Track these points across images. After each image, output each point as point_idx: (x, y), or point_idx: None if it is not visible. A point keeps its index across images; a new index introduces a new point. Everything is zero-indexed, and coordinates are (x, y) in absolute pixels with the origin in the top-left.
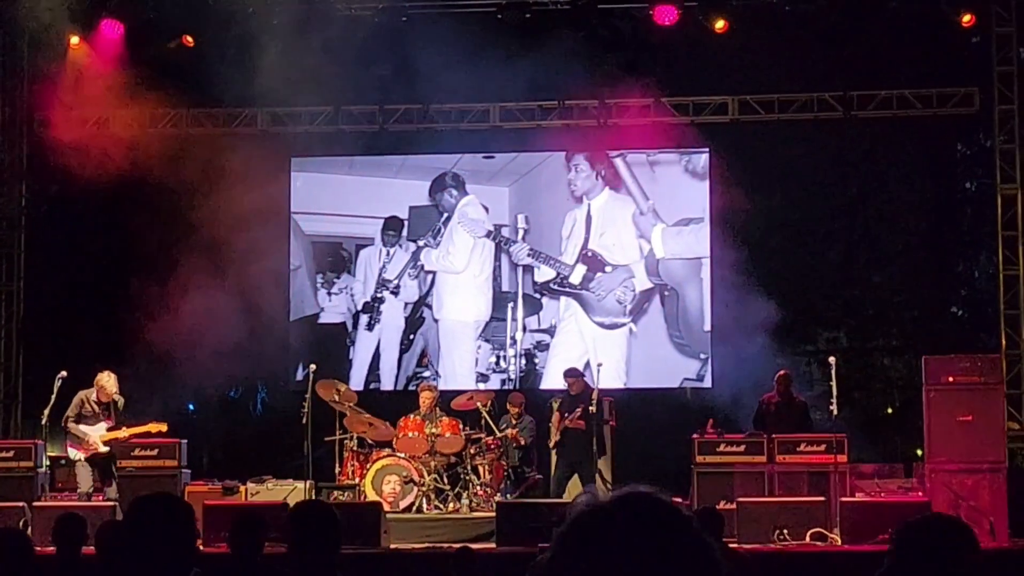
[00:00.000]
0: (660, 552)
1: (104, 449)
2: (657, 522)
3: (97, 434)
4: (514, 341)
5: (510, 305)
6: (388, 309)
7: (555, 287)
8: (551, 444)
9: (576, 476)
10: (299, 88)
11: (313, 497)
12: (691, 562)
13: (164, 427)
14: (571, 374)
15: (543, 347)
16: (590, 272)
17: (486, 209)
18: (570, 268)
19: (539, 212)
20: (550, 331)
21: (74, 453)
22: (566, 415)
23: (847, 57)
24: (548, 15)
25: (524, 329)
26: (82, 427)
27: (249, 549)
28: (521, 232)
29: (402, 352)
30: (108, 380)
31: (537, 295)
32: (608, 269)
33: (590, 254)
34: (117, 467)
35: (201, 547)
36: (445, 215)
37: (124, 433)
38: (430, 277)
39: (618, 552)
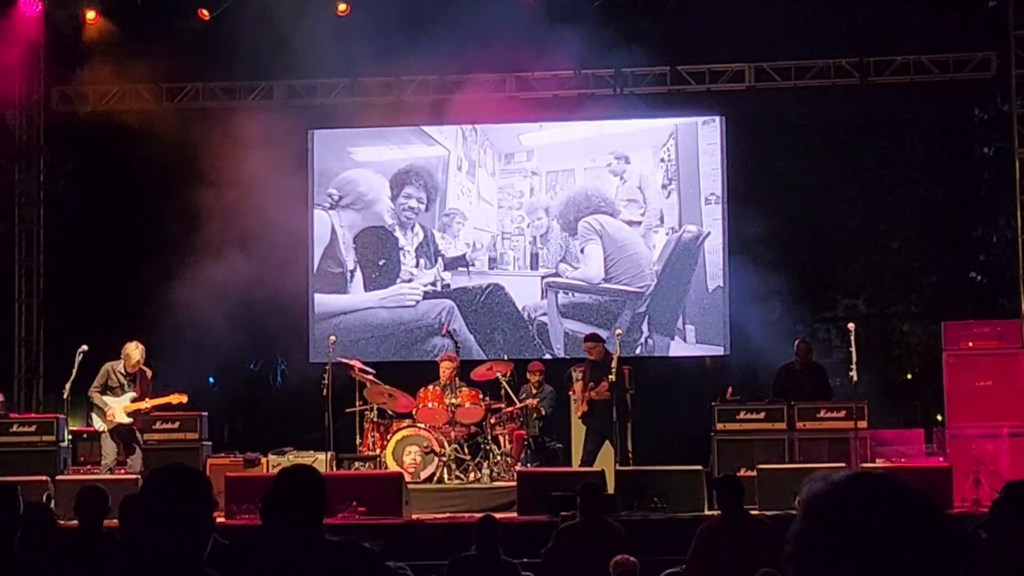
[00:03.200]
0: (904, 524)
1: (127, 420)
2: (895, 497)
3: (120, 405)
4: (533, 310)
5: (528, 274)
6: (407, 281)
7: (570, 256)
8: (578, 415)
9: (607, 444)
10: (315, 60)
11: (334, 469)
12: (930, 532)
13: (184, 398)
14: (591, 339)
15: (564, 314)
16: (607, 240)
17: (501, 181)
18: (584, 239)
19: (555, 180)
20: (569, 300)
21: (99, 424)
22: (590, 385)
23: (863, 23)
24: None
25: (542, 295)
26: (106, 398)
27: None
28: (538, 203)
29: (422, 324)
30: (135, 350)
31: (555, 264)
32: (626, 235)
33: (607, 222)
34: (142, 439)
35: (224, 518)
36: (462, 189)
37: (146, 404)
38: (449, 249)
39: (863, 527)
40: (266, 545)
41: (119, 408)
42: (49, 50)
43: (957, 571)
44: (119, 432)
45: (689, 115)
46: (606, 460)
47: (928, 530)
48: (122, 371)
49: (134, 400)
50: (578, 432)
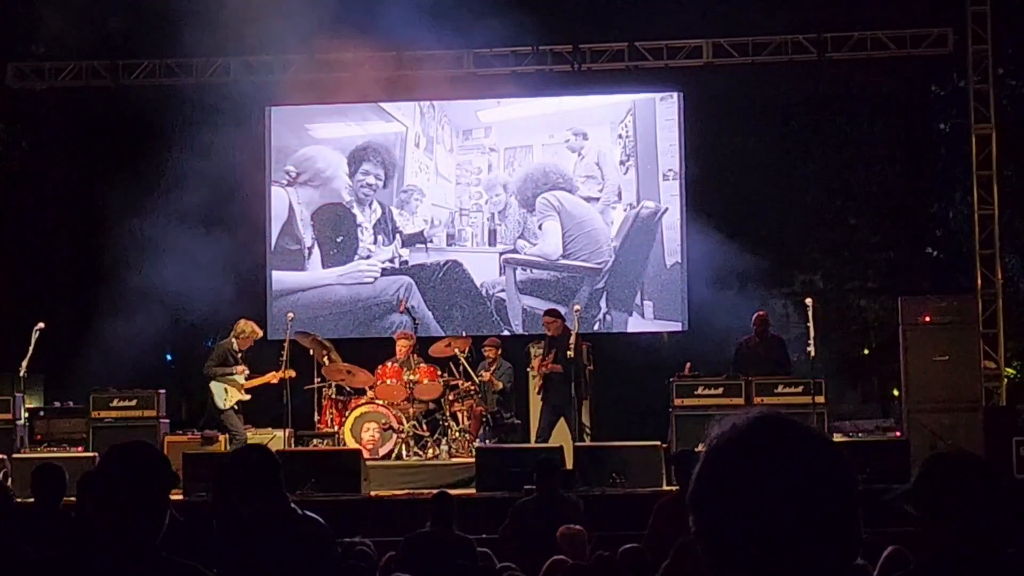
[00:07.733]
0: (801, 468)
1: (247, 397)
2: (796, 440)
3: (240, 381)
4: (491, 286)
5: (486, 250)
6: (365, 258)
7: (528, 233)
8: (537, 391)
9: (562, 420)
10: (272, 36)
11: (293, 446)
12: (829, 476)
13: (293, 373)
14: (550, 314)
15: (522, 290)
16: (565, 216)
17: (459, 158)
18: (542, 215)
19: (513, 157)
20: (527, 276)
21: (221, 401)
22: (545, 359)
23: None
24: None
25: (500, 272)
26: (224, 377)
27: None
28: (496, 179)
29: (380, 300)
30: (254, 326)
31: (513, 241)
32: (584, 211)
33: (565, 199)
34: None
35: (182, 495)
36: (420, 166)
37: (265, 379)
38: (407, 226)
39: (761, 471)
40: (227, 523)
41: (240, 384)
42: (3, 25)
43: (853, 515)
44: (237, 408)
45: (647, 91)
46: (565, 436)
47: (825, 475)
48: (235, 349)
49: (248, 377)
50: (537, 408)
